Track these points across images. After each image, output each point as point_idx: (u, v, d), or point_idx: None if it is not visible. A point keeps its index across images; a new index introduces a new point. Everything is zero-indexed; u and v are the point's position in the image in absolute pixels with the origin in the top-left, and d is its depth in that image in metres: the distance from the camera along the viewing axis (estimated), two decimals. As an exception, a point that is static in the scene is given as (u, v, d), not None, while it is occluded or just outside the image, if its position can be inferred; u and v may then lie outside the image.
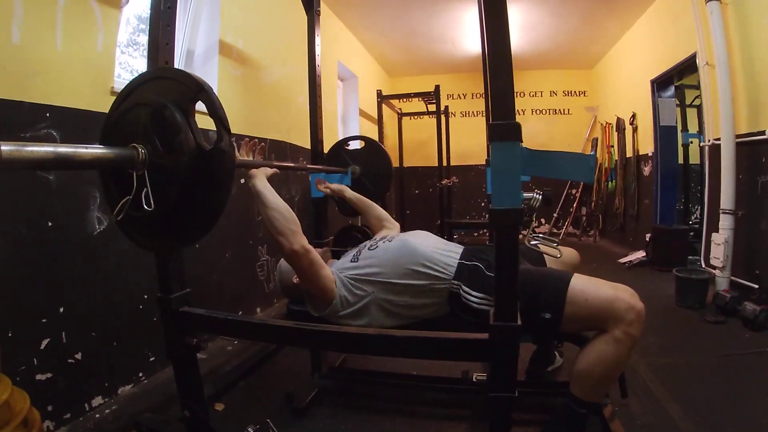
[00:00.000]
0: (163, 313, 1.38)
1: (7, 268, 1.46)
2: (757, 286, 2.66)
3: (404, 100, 5.98)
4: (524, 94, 6.85)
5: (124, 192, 0.96)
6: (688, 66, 3.77)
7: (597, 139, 6.16)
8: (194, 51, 2.64)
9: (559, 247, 1.28)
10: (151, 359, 2.05)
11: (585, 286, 1.30)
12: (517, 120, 0.96)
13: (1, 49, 1.45)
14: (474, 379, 1.66)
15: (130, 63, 2.40)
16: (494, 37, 0.95)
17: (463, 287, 1.38)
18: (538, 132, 6.81)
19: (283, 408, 1.77)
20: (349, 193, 2.03)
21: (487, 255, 1.46)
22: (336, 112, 4.95)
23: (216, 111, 0.94)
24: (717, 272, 2.88)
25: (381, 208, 2.03)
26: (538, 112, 6.90)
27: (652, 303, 3.09)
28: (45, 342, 1.55)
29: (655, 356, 2.19)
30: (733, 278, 2.85)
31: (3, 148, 0.68)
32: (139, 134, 0.96)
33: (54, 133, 1.60)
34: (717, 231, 2.92)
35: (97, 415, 1.71)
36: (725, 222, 2.84)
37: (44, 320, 1.55)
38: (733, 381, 1.92)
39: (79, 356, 1.68)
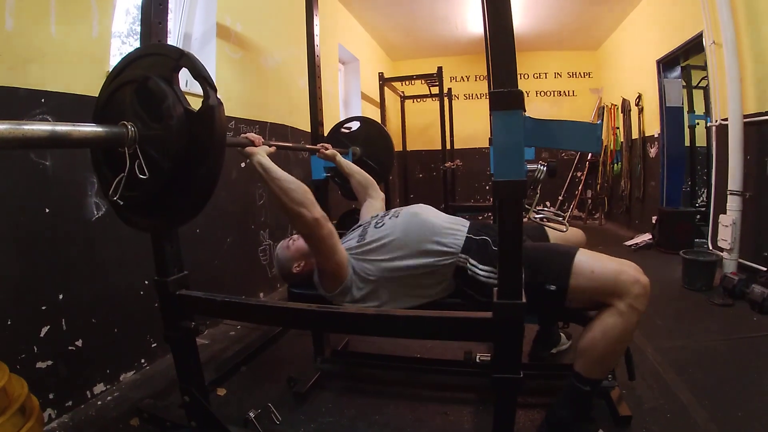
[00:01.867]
0: (160, 297, 1.37)
1: (5, 255, 1.44)
2: (765, 269, 2.61)
3: (407, 82, 5.89)
4: (528, 76, 6.73)
5: (119, 173, 0.95)
6: (695, 45, 3.68)
7: (603, 109, 6.04)
8: (191, 34, 2.59)
9: (566, 223, 1.25)
10: (153, 345, 2.04)
11: (590, 259, 1.28)
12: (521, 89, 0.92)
13: None
14: (477, 360, 1.63)
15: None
16: (495, 2, 0.91)
17: (470, 261, 1.36)
18: (542, 114, 6.41)
19: (285, 392, 1.76)
20: (339, 158, 2.01)
21: (494, 231, 1.44)
22: (337, 96, 4.88)
23: (199, 72, 0.94)
24: (725, 254, 2.84)
25: (368, 175, 2.00)
26: (542, 93, 6.78)
27: (658, 285, 3.04)
28: (45, 329, 1.54)
29: (663, 339, 2.17)
30: (741, 260, 2.80)
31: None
32: (128, 112, 0.96)
33: (49, 119, 1.58)
34: (724, 213, 2.87)
35: (99, 402, 1.70)
36: (733, 203, 2.79)
37: (44, 307, 1.54)
38: (742, 364, 1.90)
39: (79, 343, 1.67)
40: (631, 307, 1.21)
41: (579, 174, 6.57)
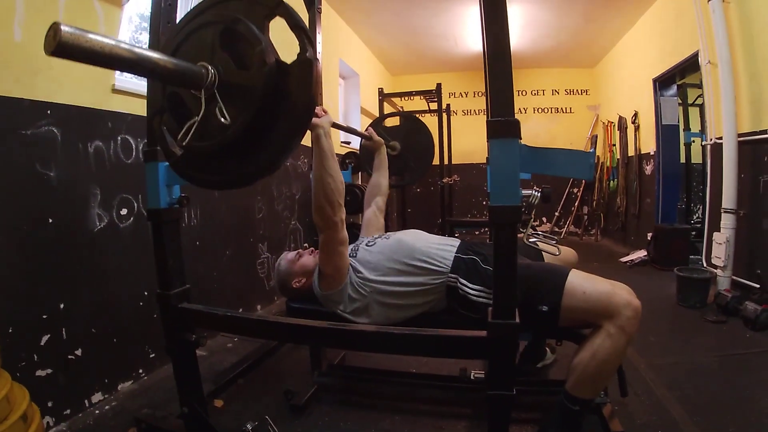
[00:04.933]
0: (162, 310, 1.39)
1: (8, 264, 1.46)
2: (758, 286, 2.65)
3: (406, 98, 5.96)
4: (526, 93, 6.83)
5: (183, 120, 0.89)
6: (691, 65, 3.76)
7: (596, 136, 6.15)
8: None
9: (558, 245, 1.28)
10: (152, 356, 2.05)
11: (583, 280, 1.31)
12: (518, 119, 0.96)
13: (2, 47, 1.45)
14: (472, 377, 1.65)
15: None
16: (493, 32, 0.95)
17: (461, 280, 1.40)
18: (540, 131, 6.80)
19: (282, 405, 1.76)
20: (384, 149, 2.07)
21: (483, 249, 1.48)
22: (338, 110, 4.95)
23: (297, 22, 0.89)
24: (718, 271, 2.87)
25: (387, 185, 2.07)
26: (539, 110, 6.88)
27: (653, 302, 3.07)
28: (45, 338, 1.56)
29: (657, 355, 2.19)
30: (735, 278, 2.83)
31: (63, 28, 0.60)
32: (206, 55, 0.89)
33: (55, 130, 1.61)
34: (719, 230, 2.91)
35: (97, 412, 1.71)
36: (727, 221, 2.83)
37: (45, 316, 1.56)
38: (734, 381, 1.92)
39: (79, 352, 1.68)
40: (622, 329, 1.22)
41: (575, 190, 6.63)
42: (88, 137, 1.76)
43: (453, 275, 1.41)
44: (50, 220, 1.59)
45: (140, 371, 2.00)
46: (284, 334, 1.37)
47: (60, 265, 1.63)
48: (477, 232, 6.60)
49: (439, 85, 5.25)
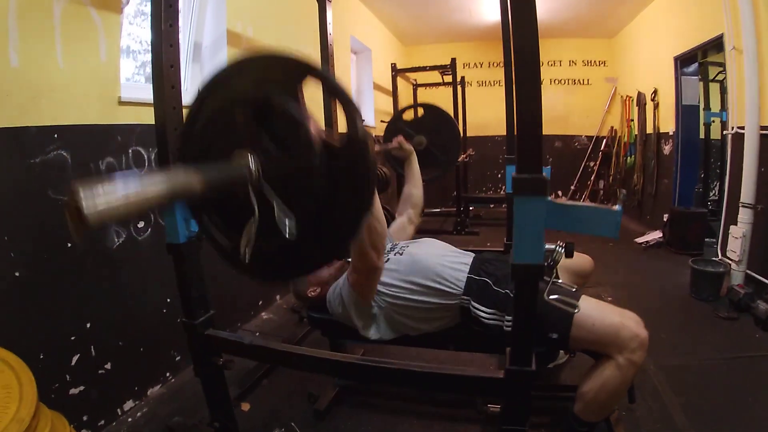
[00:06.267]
0: (188, 337, 1.43)
1: (30, 295, 1.49)
2: None
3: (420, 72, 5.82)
4: (543, 64, 6.50)
5: (232, 219, 0.81)
6: (714, 45, 3.56)
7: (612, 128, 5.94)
8: (201, 43, 2.56)
9: (578, 295, 1.27)
10: (177, 358, 2.13)
11: (592, 311, 1.31)
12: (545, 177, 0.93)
13: (0, 76, 1.39)
14: (488, 411, 1.69)
15: (138, 33, 2.25)
16: (523, 96, 0.90)
17: (473, 302, 1.42)
18: (556, 103, 6.58)
19: (305, 407, 1.84)
20: (414, 157, 2.01)
21: (496, 268, 1.49)
22: (350, 87, 4.83)
23: (336, 90, 0.76)
24: (733, 265, 2.84)
25: (421, 196, 2.03)
26: (556, 81, 6.64)
27: (666, 292, 3.10)
28: (75, 358, 1.62)
29: (666, 356, 2.21)
30: (749, 272, 2.80)
31: (86, 212, 0.55)
32: (239, 138, 0.79)
33: (64, 154, 1.58)
34: (735, 223, 2.85)
35: (129, 419, 1.80)
36: (744, 216, 2.77)
37: (73, 338, 1.61)
38: (741, 387, 1.95)
39: (108, 366, 1.75)
40: (630, 361, 1.26)
41: (592, 164, 6.51)
42: (98, 155, 1.74)
43: (466, 297, 1.43)
44: (68, 245, 1.60)
45: (167, 375, 2.09)
46: (308, 364, 1.40)
47: (82, 287, 1.66)
48: (491, 206, 6.56)
49: (453, 60, 5.16)
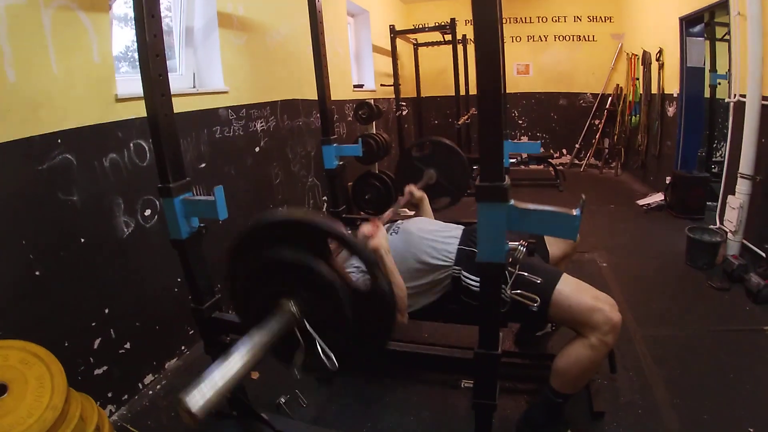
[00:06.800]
0: (197, 321, 1.58)
1: (53, 290, 1.62)
2: (765, 256, 2.62)
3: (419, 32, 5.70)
4: (546, 20, 6.32)
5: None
6: (720, 6, 3.40)
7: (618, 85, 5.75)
8: (193, 27, 2.55)
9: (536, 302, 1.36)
10: (191, 332, 2.31)
11: (570, 292, 1.41)
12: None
13: (1, 93, 1.44)
14: (462, 386, 1.86)
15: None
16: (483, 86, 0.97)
17: (463, 272, 1.53)
18: (561, 59, 6.41)
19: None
20: (426, 200, 2.13)
21: None
22: (348, 54, 4.72)
23: (361, 253, 0.96)
24: (729, 235, 2.86)
25: None
26: (561, 38, 6.40)
27: (663, 258, 3.14)
28: (97, 342, 1.78)
29: (654, 326, 2.29)
30: (745, 242, 2.82)
31: (194, 411, 0.71)
32: (276, 286, 0.98)
33: (69, 156, 1.66)
34: (734, 193, 2.85)
35: (150, 392, 1.99)
36: (742, 186, 2.76)
37: (93, 323, 1.77)
38: (725, 361, 1.98)
39: (128, 345, 1.92)
40: (602, 341, 1.36)
41: (597, 122, 6.40)
42: (102, 153, 1.82)
43: (457, 267, 1.55)
44: (82, 240, 1.72)
45: (182, 348, 2.27)
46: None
47: (98, 277, 1.80)
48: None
49: (452, 20, 5.07)
